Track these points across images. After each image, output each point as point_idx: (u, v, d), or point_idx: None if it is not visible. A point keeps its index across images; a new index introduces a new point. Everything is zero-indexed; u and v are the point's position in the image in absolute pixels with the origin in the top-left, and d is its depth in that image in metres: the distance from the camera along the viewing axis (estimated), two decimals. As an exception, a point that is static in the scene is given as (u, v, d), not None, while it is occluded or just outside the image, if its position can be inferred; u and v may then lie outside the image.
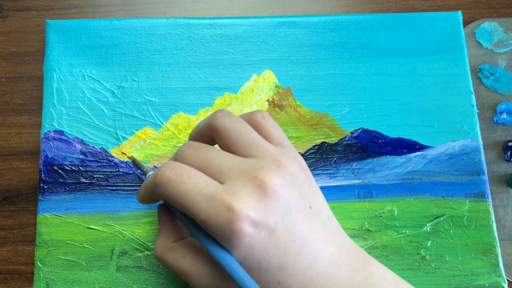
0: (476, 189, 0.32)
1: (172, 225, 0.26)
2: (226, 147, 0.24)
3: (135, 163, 0.32)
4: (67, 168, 0.32)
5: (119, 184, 0.32)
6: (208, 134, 0.25)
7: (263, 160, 0.23)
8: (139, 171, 0.32)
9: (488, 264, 0.31)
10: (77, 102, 0.33)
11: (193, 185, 0.22)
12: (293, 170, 0.23)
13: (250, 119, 0.25)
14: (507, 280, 0.31)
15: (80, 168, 0.32)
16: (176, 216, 0.25)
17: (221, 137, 0.24)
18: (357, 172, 0.33)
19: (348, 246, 0.23)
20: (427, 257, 0.31)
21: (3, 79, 0.35)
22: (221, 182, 0.22)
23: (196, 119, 0.33)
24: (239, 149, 0.23)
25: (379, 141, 0.33)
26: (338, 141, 0.33)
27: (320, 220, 0.23)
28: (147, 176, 0.29)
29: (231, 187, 0.21)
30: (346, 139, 0.33)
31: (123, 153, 0.32)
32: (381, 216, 0.32)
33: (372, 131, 0.33)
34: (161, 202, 0.27)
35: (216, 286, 0.23)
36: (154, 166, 0.32)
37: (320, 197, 0.24)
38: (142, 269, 0.30)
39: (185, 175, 0.22)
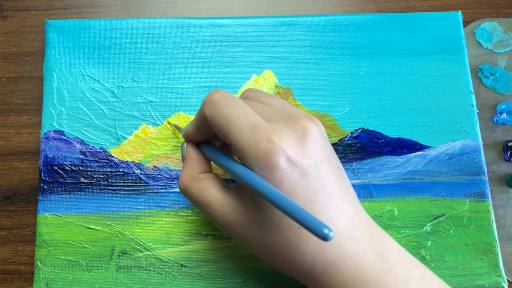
0: (476, 189, 0.32)
1: (199, 157, 0.26)
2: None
3: (177, 129, 0.32)
4: (67, 168, 0.32)
5: (119, 184, 0.32)
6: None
7: (299, 115, 0.24)
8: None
9: (488, 264, 0.31)
10: (77, 102, 0.33)
11: (239, 111, 0.23)
12: (324, 131, 0.24)
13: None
14: (507, 280, 0.31)
15: (80, 168, 0.32)
16: (203, 150, 0.25)
17: (255, 98, 0.26)
18: (357, 172, 0.33)
19: (366, 216, 0.24)
20: (427, 257, 0.31)
21: (3, 79, 0.35)
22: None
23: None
24: (274, 108, 0.25)
25: (379, 141, 0.33)
26: (338, 141, 0.33)
27: (344, 183, 0.23)
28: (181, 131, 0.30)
29: (274, 125, 0.22)
30: (346, 139, 0.33)
31: (168, 122, 0.32)
32: (381, 216, 0.32)
33: (372, 131, 0.33)
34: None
35: (238, 218, 0.23)
36: (154, 166, 0.32)
37: (341, 165, 0.25)
38: (142, 269, 0.30)
39: (234, 102, 0.23)
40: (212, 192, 0.25)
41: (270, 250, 0.23)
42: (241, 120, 0.22)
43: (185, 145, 0.27)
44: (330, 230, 0.18)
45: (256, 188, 0.21)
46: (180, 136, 0.33)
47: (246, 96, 0.26)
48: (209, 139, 0.27)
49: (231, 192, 0.24)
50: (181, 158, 0.30)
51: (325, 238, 0.18)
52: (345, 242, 0.22)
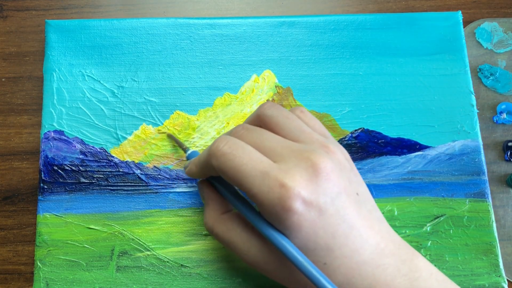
0: (476, 189, 0.32)
1: (218, 197, 0.27)
2: (274, 133, 0.25)
3: (173, 139, 0.32)
4: (67, 168, 0.32)
5: (119, 184, 0.32)
6: (257, 125, 0.26)
7: (312, 145, 0.23)
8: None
9: (488, 264, 0.31)
10: (77, 102, 0.33)
11: (247, 160, 0.22)
12: (340, 157, 0.23)
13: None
14: (507, 280, 0.31)
15: (80, 168, 0.32)
16: (221, 192, 0.25)
17: (270, 124, 0.25)
18: (357, 172, 0.33)
19: (394, 237, 0.23)
20: (427, 257, 0.31)
21: (3, 79, 0.35)
22: (274, 161, 0.22)
23: (196, 119, 0.33)
24: (287, 134, 0.24)
25: (379, 141, 0.33)
26: (338, 141, 0.33)
27: (366, 208, 0.23)
28: (187, 152, 0.30)
29: (284, 166, 0.22)
30: (346, 139, 0.33)
31: (158, 130, 0.32)
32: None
33: (372, 131, 0.33)
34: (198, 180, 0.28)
35: (264, 258, 0.23)
36: (154, 166, 0.32)
37: (364, 186, 0.24)
38: (142, 269, 0.30)
39: (240, 149, 0.23)
40: (237, 233, 0.25)
41: (301, 286, 0.23)
42: (250, 167, 0.22)
43: (202, 187, 0.27)
44: None
45: (269, 239, 0.22)
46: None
47: (263, 115, 0.25)
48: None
49: (255, 231, 0.24)
50: (192, 178, 0.30)
51: None
52: (373, 271, 0.22)
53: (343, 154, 0.24)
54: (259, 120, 0.25)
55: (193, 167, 0.27)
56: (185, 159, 0.32)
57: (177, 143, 0.32)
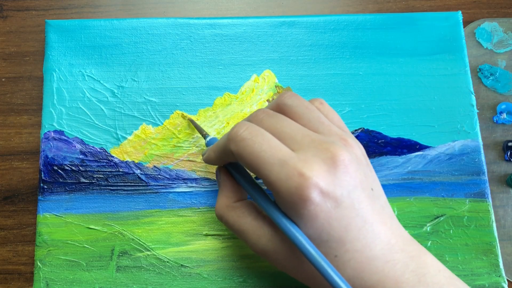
0: (476, 189, 0.32)
1: (233, 185, 0.27)
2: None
3: (194, 124, 0.32)
4: (67, 168, 0.32)
5: (119, 184, 0.32)
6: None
7: (331, 137, 0.23)
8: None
9: (488, 264, 0.31)
10: (77, 102, 0.33)
11: (266, 146, 0.22)
12: (358, 151, 0.23)
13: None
14: (507, 280, 0.31)
15: (80, 168, 0.32)
16: (237, 179, 0.25)
17: (289, 113, 0.25)
18: (357, 172, 0.33)
19: (403, 234, 0.23)
20: (427, 257, 0.31)
21: (3, 79, 0.35)
22: (292, 150, 0.22)
23: (196, 119, 0.33)
24: (306, 124, 0.24)
25: (379, 141, 0.33)
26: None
27: (379, 204, 0.23)
28: (206, 139, 0.30)
29: (303, 155, 0.22)
30: (346, 139, 0.33)
31: (182, 115, 0.32)
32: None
33: (372, 131, 0.33)
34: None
35: (275, 247, 0.23)
36: (154, 166, 0.32)
37: (378, 183, 0.24)
38: (142, 269, 0.30)
39: (259, 136, 0.23)
40: (248, 221, 0.25)
41: (309, 276, 0.23)
42: (269, 155, 0.22)
43: (219, 173, 0.27)
44: None
45: (281, 228, 0.22)
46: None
47: (283, 104, 0.25)
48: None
49: (267, 220, 0.24)
50: (215, 179, 0.30)
51: None
52: (383, 266, 0.22)
53: (360, 149, 0.24)
54: (278, 109, 0.25)
55: (211, 153, 0.27)
56: (202, 147, 0.32)
57: (197, 129, 0.32)
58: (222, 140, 0.25)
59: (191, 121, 0.32)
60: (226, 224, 0.26)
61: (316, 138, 0.23)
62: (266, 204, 0.23)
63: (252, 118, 0.24)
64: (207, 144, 0.30)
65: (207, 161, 0.27)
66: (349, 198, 0.22)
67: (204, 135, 0.31)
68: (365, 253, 0.22)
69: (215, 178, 0.32)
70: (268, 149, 0.22)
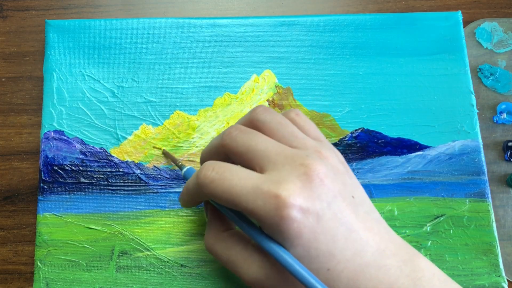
0: (476, 189, 0.32)
1: (220, 216, 0.27)
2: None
3: (168, 156, 0.32)
4: (67, 168, 0.32)
5: (119, 184, 0.32)
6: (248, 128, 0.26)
7: (306, 151, 0.23)
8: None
9: (488, 264, 0.31)
10: (77, 102, 0.33)
11: (236, 180, 0.22)
12: (333, 161, 0.23)
13: (285, 117, 0.26)
14: (507, 280, 0.31)
15: (80, 168, 0.32)
16: (223, 211, 0.25)
17: (262, 129, 0.25)
18: (357, 172, 0.33)
19: (393, 238, 0.23)
20: (427, 257, 0.31)
21: (3, 79, 0.35)
22: (265, 168, 0.23)
23: (196, 119, 0.33)
24: (280, 139, 0.24)
25: (379, 141, 0.33)
26: (338, 141, 0.33)
27: (363, 210, 0.23)
28: (182, 170, 0.30)
29: (276, 175, 0.22)
30: (346, 139, 0.33)
31: (154, 147, 0.32)
32: (381, 216, 0.32)
33: (372, 131, 0.33)
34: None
35: (266, 273, 0.23)
36: (154, 166, 0.32)
37: (360, 188, 0.24)
38: (142, 269, 0.30)
39: (227, 171, 0.23)
40: (237, 251, 0.25)
41: None
42: (241, 186, 0.22)
43: (205, 205, 0.28)
44: None
45: (270, 253, 0.22)
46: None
47: (256, 120, 0.25)
48: None
49: (256, 248, 0.24)
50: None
51: None
52: (376, 273, 0.22)
53: (337, 157, 0.24)
54: (252, 125, 0.25)
55: (185, 198, 0.27)
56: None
57: (172, 161, 0.32)
58: (191, 184, 0.25)
59: (166, 153, 0.32)
60: (216, 255, 0.26)
61: (289, 154, 0.23)
62: (252, 231, 0.23)
63: (226, 137, 0.24)
64: (185, 176, 0.29)
65: (185, 205, 0.28)
66: (330, 209, 0.22)
67: (180, 166, 0.31)
68: (357, 261, 0.22)
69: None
70: (239, 181, 0.22)
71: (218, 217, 0.27)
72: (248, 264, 0.24)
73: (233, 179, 0.22)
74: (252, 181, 0.22)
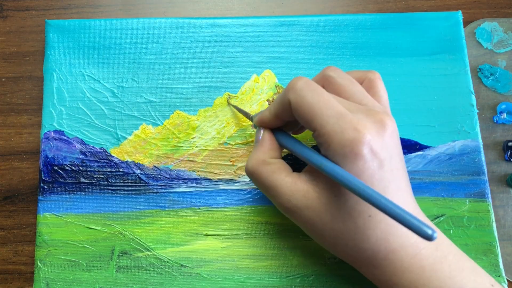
0: (476, 189, 0.32)
1: (272, 143, 0.27)
2: (337, 95, 0.25)
3: (237, 109, 0.32)
4: (67, 168, 0.32)
5: (119, 184, 0.32)
6: (320, 84, 0.26)
7: (376, 108, 0.24)
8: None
9: (488, 264, 0.31)
10: (77, 102, 0.33)
11: (323, 99, 0.23)
12: (396, 127, 0.24)
13: (364, 75, 0.27)
14: (507, 280, 0.31)
15: (80, 168, 0.32)
16: (278, 137, 0.26)
17: (334, 84, 0.25)
18: (357, 172, 0.33)
19: (419, 209, 0.25)
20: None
21: (3, 79, 0.35)
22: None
23: (196, 119, 0.33)
24: (351, 97, 0.25)
25: (379, 141, 0.33)
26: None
27: (408, 178, 0.25)
28: (254, 119, 0.29)
29: (356, 115, 0.23)
30: (346, 139, 0.33)
31: (228, 102, 0.32)
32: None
33: (372, 131, 0.33)
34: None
35: (309, 203, 0.24)
36: (154, 166, 0.32)
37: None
38: (142, 269, 0.30)
39: (318, 89, 0.24)
40: (281, 177, 0.25)
41: (337, 235, 0.24)
42: (326, 106, 0.23)
43: (262, 130, 0.27)
44: (434, 231, 0.19)
45: (345, 182, 0.21)
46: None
47: (328, 75, 0.26)
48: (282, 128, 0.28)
49: (301, 177, 0.25)
50: (254, 142, 0.29)
51: (429, 238, 0.19)
52: (407, 231, 0.23)
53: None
54: (323, 79, 0.26)
55: (265, 112, 0.27)
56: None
57: (241, 112, 0.31)
58: (279, 96, 0.25)
59: (235, 107, 0.32)
60: (258, 178, 0.26)
61: (362, 107, 0.24)
62: (316, 155, 0.23)
63: (291, 87, 0.25)
64: (254, 126, 0.29)
65: (260, 121, 0.27)
66: (390, 163, 0.23)
67: (251, 117, 0.30)
68: None
69: (215, 178, 0.32)
70: (326, 101, 0.23)
71: (270, 144, 0.27)
72: (291, 191, 0.25)
73: (321, 96, 0.23)
74: (338, 108, 0.23)
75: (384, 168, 0.22)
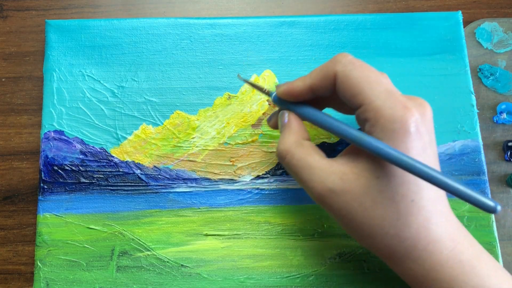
0: (476, 189, 0.32)
1: (301, 125, 0.26)
2: None
3: (251, 84, 0.29)
4: (67, 168, 0.32)
5: (119, 184, 0.32)
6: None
7: (413, 96, 0.25)
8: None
9: (488, 264, 0.31)
10: (77, 102, 0.33)
11: (374, 74, 0.23)
12: None
13: None
14: (507, 280, 0.31)
15: (80, 168, 0.32)
16: (309, 115, 0.25)
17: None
18: (357, 172, 0.32)
19: None
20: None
21: (3, 79, 0.35)
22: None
23: (196, 119, 0.33)
24: None
25: (379, 141, 0.33)
26: (339, 141, 0.33)
27: (438, 165, 0.24)
28: (272, 96, 0.27)
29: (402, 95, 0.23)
30: (346, 139, 0.33)
31: (239, 76, 0.30)
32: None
33: (372, 131, 0.33)
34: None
35: (345, 186, 0.23)
36: (154, 166, 0.32)
37: None
38: (142, 269, 0.30)
39: (366, 64, 0.24)
40: (317, 159, 0.24)
41: (376, 223, 0.22)
42: (376, 81, 0.23)
43: (286, 113, 0.26)
44: (496, 203, 0.18)
45: (394, 157, 0.21)
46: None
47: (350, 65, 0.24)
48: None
49: (337, 159, 0.24)
50: (278, 126, 0.27)
51: (493, 211, 0.18)
52: (446, 223, 0.23)
53: None
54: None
55: (298, 83, 0.25)
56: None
57: (255, 87, 0.28)
58: (319, 69, 0.24)
59: (250, 82, 0.29)
60: (291, 161, 0.24)
61: (402, 95, 0.23)
62: (354, 130, 0.22)
63: (339, 59, 0.24)
64: (274, 100, 0.27)
65: (288, 92, 0.25)
66: (430, 147, 0.23)
67: (268, 93, 0.28)
68: (435, 206, 0.23)
69: (215, 178, 0.32)
70: (376, 76, 0.23)
71: (298, 125, 0.26)
72: (327, 173, 0.23)
73: (371, 72, 0.23)
74: (387, 85, 0.23)
75: (426, 151, 0.22)
